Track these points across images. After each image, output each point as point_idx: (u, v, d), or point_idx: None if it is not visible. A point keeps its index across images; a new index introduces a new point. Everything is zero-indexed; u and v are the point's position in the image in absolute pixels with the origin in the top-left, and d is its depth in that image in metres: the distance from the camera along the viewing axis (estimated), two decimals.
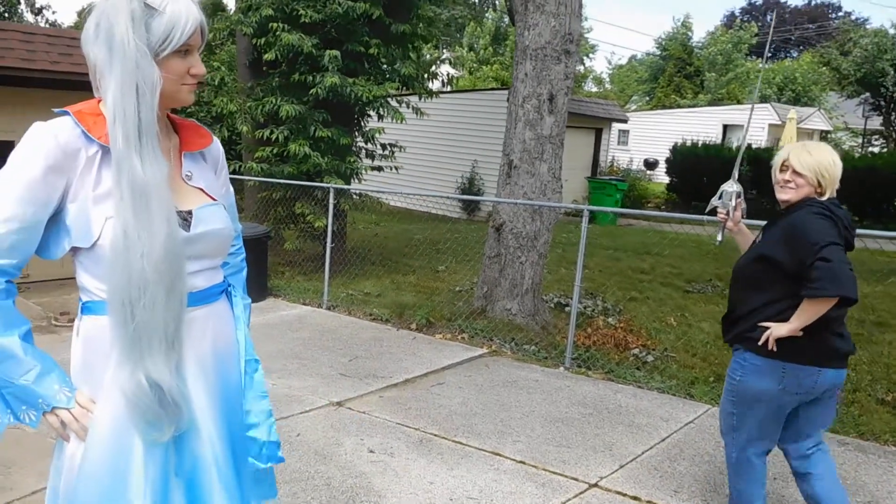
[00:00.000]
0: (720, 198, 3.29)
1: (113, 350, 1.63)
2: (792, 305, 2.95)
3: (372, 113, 9.68)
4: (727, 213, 3.29)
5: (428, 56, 28.62)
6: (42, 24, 21.63)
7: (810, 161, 3.00)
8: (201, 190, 1.82)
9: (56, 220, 1.66)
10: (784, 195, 3.06)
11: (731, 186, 3.27)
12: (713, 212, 3.41)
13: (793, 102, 30.51)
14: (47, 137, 1.61)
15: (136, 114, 1.58)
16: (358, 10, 8.54)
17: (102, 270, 1.64)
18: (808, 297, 2.86)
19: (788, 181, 3.03)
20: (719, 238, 3.42)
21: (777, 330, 2.94)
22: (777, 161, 3.12)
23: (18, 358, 1.62)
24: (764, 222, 3.34)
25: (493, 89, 16.89)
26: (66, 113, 1.66)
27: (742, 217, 3.34)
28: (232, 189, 2.06)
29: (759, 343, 2.99)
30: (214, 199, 1.84)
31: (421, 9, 9.63)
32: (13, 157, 1.61)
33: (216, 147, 1.97)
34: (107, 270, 1.61)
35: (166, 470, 1.69)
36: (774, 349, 2.96)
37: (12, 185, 1.59)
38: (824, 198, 3.03)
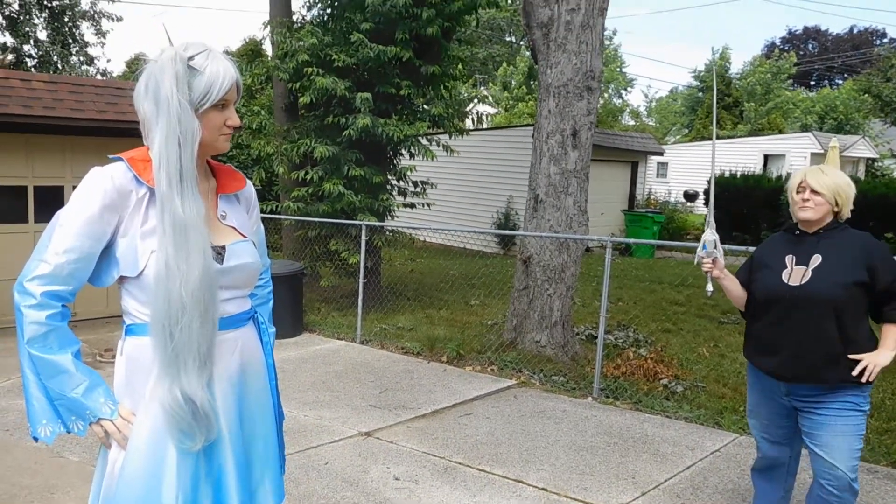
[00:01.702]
0: (704, 248, 3.29)
1: (153, 367, 1.84)
2: (870, 329, 3.09)
3: (404, 151, 9.93)
4: (713, 262, 3.30)
5: (465, 94, 29.09)
6: (93, 72, 22.55)
7: (827, 180, 3.13)
8: (234, 228, 2.05)
9: (107, 252, 1.88)
10: (805, 214, 3.15)
11: (711, 235, 3.29)
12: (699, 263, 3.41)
13: (835, 131, 30.15)
14: (105, 180, 1.85)
15: (178, 160, 1.81)
16: (388, 53, 8.83)
17: (146, 297, 1.85)
18: None
19: (807, 200, 3.13)
20: (710, 289, 3.36)
21: (881, 360, 3.02)
22: (793, 184, 3.22)
23: (71, 373, 1.83)
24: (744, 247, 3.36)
25: (526, 125, 17.08)
26: (120, 159, 1.90)
27: (722, 263, 3.36)
28: (262, 227, 2.29)
29: (866, 380, 3.01)
30: (245, 237, 2.06)
31: (451, 50, 9.90)
32: (75, 196, 1.85)
33: (249, 189, 2.20)
34: (150, 297, 1.83)
35: (197, 476, 1.88)
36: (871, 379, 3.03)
37: (73, 220, 1.82)
38: (843, 218, 3.17)
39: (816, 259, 3.12)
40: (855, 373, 3.00)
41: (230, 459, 1.94)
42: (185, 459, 1.85)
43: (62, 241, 1.81)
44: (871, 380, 3.02)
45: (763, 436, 3.45)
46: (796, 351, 3.12)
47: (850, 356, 3.02)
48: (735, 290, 3.38)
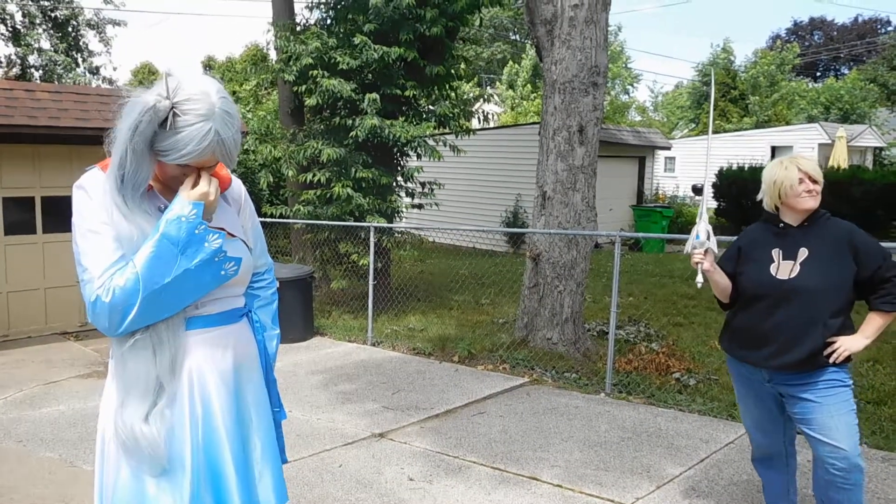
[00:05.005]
0: (697, 238, 3.24)
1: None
2: (849, 317, 3.10)
3: (411, 152, 9.94)
4: (704, 253, 3.24)
5: (471, 94, 29.10)
6: (98, 82, 22.63)
7: (817, 167, 3.18)
8: (222, 229, 2.01)
9: None
10: (810, 203, 3.12)
11: (704, 226, 3.25)
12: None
13: (841, 121, 29.97)
14: (86, 182, 1.89)
15: (119, 194, 1.83)
16: (393, 54, 8.84)
17: None
18: (890, 312, 3.04)
19: (811, 189, 3.12)
20: (700, 280, 3.30)
21: (855, 346, 3.04)
22: (791, 175, 3.17)
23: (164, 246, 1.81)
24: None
25: (533, 123, 17.04)
26: (94, 167, 1.93)
27: (714, 255, 3.32)
28: (259, 225, 2.26)
29: (833, 361, 3.04)
30: (234, 235, 2.05)
31: (455, 50, 9.89)
32: (76, 211, 1.87)
33: (236, 188, 2.18)
34: None
35: (198, 483, 1.90)
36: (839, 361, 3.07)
37: (89, 230, 1.84)
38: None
39: (803, 253, 3.11)
40: (826, 352, 3.04)
41: (229, 460, 1.95)
42: (164, 483, 1.89)
43: (96, 251, 1.80)
44: (837, 362, 3.04)
45: (754, 426, 3.46)
46: (782, 345, 3.11)
47: (827, 340, 3.05)
48: (722, 282, 3.34)
